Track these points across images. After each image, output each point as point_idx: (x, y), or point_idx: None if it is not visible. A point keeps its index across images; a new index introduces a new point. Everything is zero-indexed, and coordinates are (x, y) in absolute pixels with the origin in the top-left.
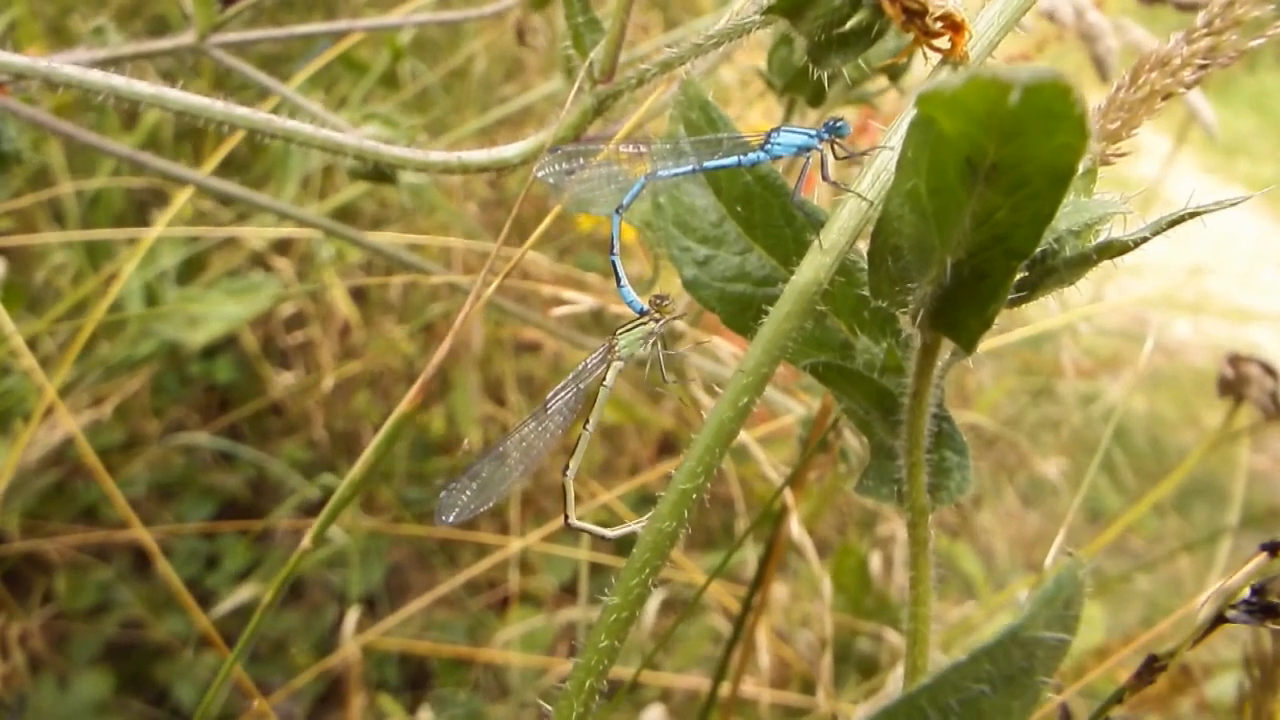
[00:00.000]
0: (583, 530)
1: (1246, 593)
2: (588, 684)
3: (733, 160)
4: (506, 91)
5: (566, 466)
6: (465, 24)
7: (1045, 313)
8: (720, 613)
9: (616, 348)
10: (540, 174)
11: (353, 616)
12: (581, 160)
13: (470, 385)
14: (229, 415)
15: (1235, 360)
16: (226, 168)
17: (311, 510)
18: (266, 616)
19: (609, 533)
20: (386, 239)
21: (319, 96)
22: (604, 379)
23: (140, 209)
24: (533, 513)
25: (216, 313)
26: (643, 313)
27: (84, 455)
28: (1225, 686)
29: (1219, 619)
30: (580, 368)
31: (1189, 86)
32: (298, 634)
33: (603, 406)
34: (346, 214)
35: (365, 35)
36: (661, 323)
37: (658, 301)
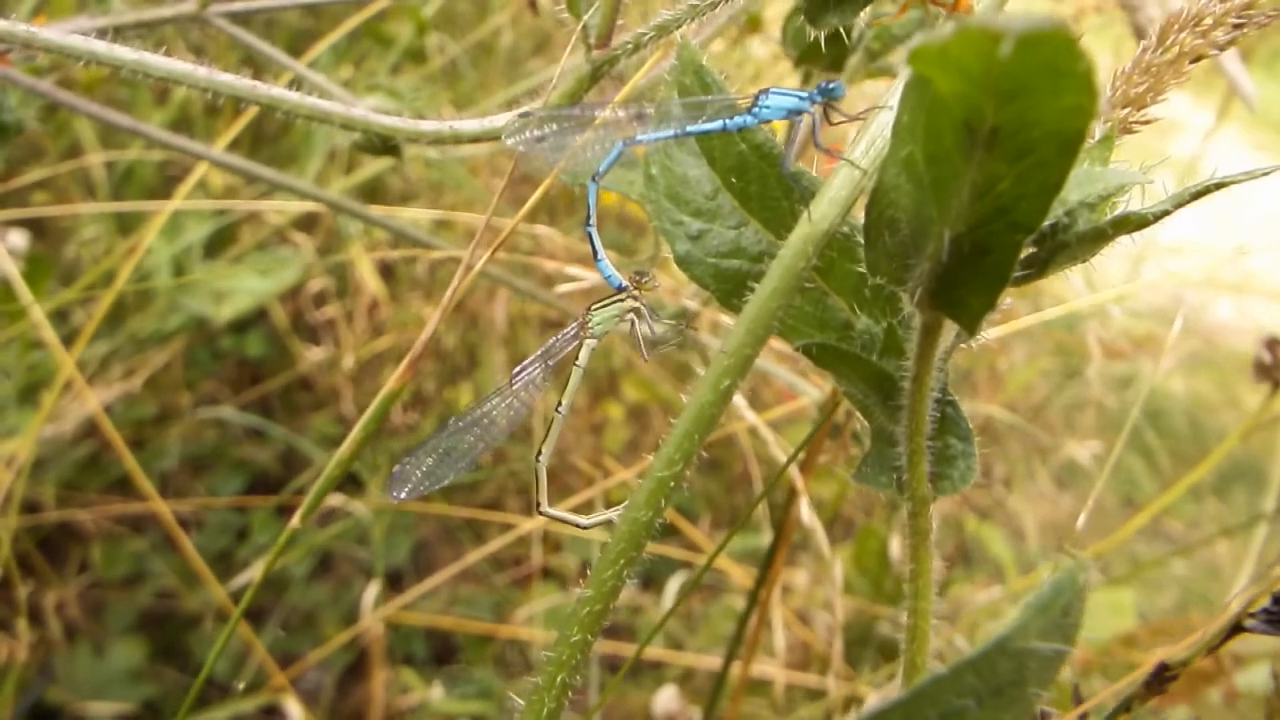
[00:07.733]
0: (555, 518)
1: (1267, 601)
2: (560, 679)
3: (718, 124)
4: (534, 66)
5: (539, 452)
6: None
7: (1079, 292)
8: (742, 594)
9: (590, 324)
10: (510, 141)
11: (372, 591)
12: (555, 126)
13: (496, 362)
14: (259, 388)
15: (1273, 343)
16: (257, 143)
17: (338, 485)
18: (298, 590)
19: (584, 520)
20: (411, 215)
21: (348, 71)
22: (576, 358)
23: (171, 184)
24: (557, 489)
25: (242, 288)
26: (620, 288)
27: (105, 430)
28: (1255, 677)
29: (1236, 628)
30: (550, 343)
31: (1222, 48)
32: (326, 607)
33: (575, 387)
34: (374, 190)
35: (394, 9)
36: (641, 300)
37: (637, 277)
